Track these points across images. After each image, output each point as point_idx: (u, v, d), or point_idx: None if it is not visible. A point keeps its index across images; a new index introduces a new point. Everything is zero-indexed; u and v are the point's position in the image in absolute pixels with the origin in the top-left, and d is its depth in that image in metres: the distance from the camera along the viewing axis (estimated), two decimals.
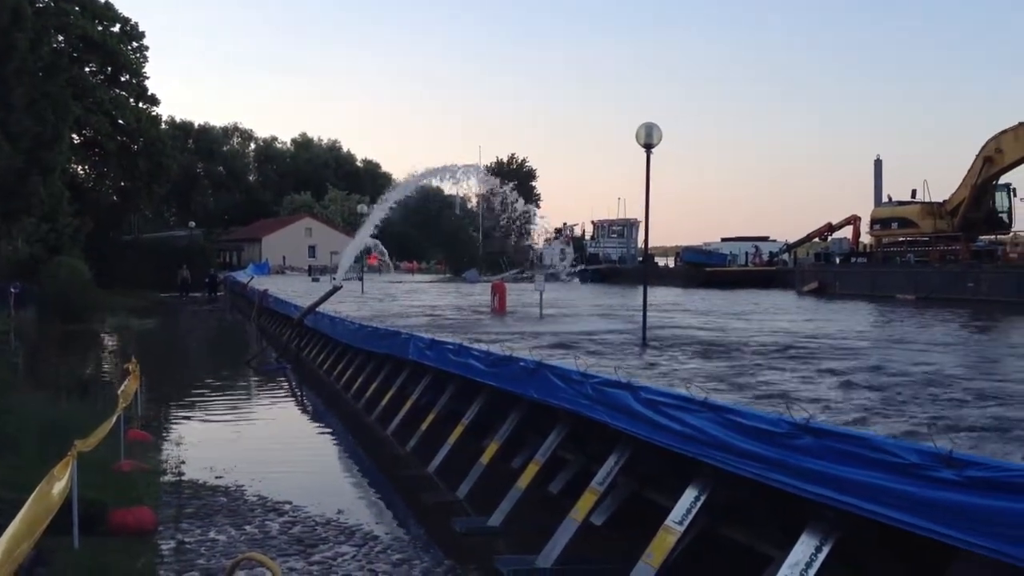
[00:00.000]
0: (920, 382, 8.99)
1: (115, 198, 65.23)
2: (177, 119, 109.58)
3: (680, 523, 7.07)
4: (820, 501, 5.79)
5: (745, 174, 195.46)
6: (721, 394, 7.79)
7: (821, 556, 5.93)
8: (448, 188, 72.37)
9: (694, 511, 7.08)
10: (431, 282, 56.47)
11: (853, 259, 48.87)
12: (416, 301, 28.71)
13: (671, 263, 66.25)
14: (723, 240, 71.10)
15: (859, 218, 53.35)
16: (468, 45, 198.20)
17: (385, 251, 48.80)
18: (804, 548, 6.00)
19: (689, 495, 7.17)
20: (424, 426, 13.45)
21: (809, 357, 11.43)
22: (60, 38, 54.75)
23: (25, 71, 39.88)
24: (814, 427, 5.90)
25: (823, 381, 9.05)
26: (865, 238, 51.74)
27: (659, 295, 33.37)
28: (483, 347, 11.89)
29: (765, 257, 61.38)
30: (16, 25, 39.25)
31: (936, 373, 9.81)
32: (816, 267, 49.21)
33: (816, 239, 58.01)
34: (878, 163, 56.23)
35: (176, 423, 16.41)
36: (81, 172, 63.83)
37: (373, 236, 27.60)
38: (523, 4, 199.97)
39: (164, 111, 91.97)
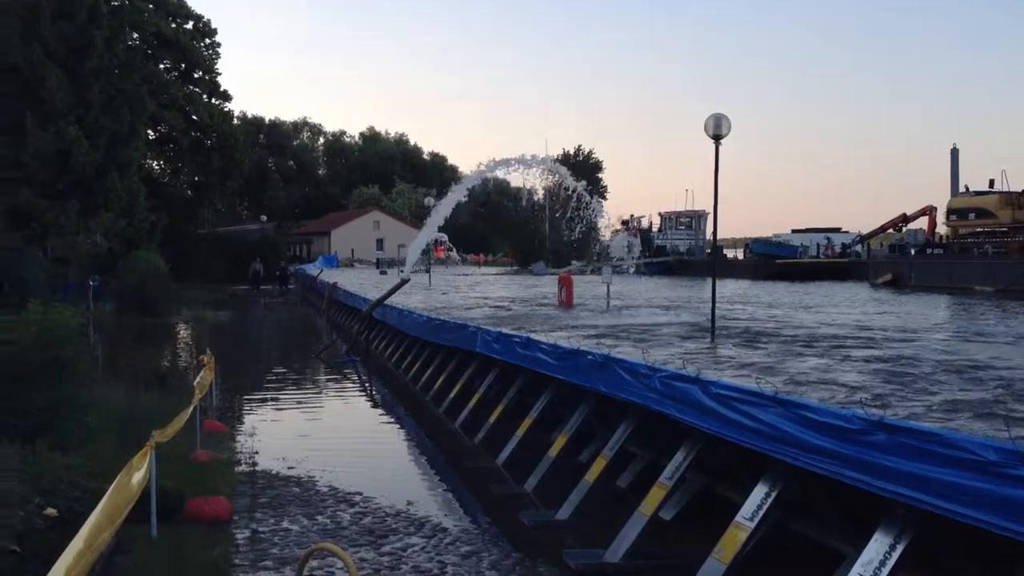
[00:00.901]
0: (999, 378, 8.78)
1: (189, 193, 66.59)
2: (249, 114, 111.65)
3: (751, 519, 7.02)
4: (894, 498, 5.70)
5: (816, 163, 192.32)
6: (791, 389, 7.71)
7: (895, 554, 5.84)
8: (515, 180, 72.40)
9: (765, 507, 7.02)
10: (498, 275, 56.65)
11: (929, 250, 47.88)
12: (483, 294, 28.82)
13: (740, 255, 65.59)
14: (794, 231, 70.14)
15: (935, 208, 52.24)
16: (535, 38, 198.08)
17: (451, 244, 49.12)
18: (878, 546, 5.92)
19: (760, 491, 7.12)
20: (492, 419, 13.51)
21: (881, 350, 11.23)
22: (135, 36, 56.01)
23: (102, 69, 40.92)
24: (888, 423, 5.81)
25: (896, 376, 8.89)
26: (941, 229, 50.68)
27: (728, 288, 33.05)
28: (551, 340, 11.91)
29: (837, 249, 60.44)
30: (93, 23, 40.30)
31: (1015, 368, 9.57)
32: (890, 259, 48.30)
33: (890, 230, 56.97)
34: (955, 152, 54.92)
35: (250, 414, 16.72)
36: (156, 167, 65.22)
37: (440, 229, 27.71)
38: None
39: (236, 107, 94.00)
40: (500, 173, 25.74)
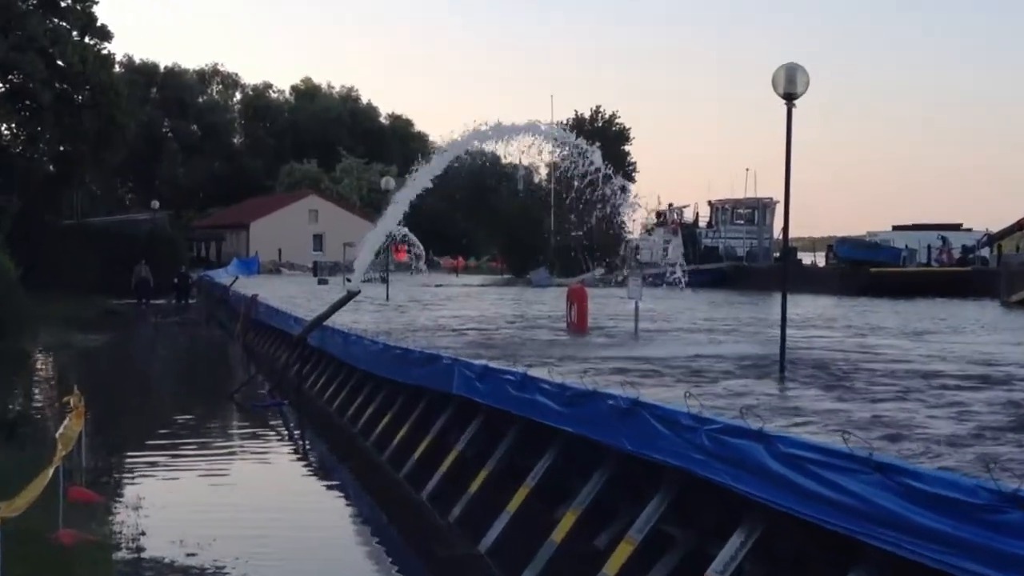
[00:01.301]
0: None
1: (51, 168, 66.35)
2: (136, 59, 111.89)
3: None
4: None
5: (925, 138, 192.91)
6: (890, 448, 7.72)
7: None
8: (508, 155, 72.49)
9: None
10: (484, 285, 56.69)
11: None
12: (462, 313, 28.83)
13: (820, 260, 65.72)
14: (895, 228, 70.33)
15: None
16: None
17: (419, 243, 49.01)
18: None
19: None
20: (474, 487, 13.49)
21: (1016, 394, 11.26)
22: None
23: None
24: None
25: None
26: None
27: (804, 306, 33.11)
28: (556, 378, 11.91)
29: (956, 253, 60.58)
30: None
31: None
32: None
33: None
34: None
35: (134, 478, 16.65)
36: (6, 132, 65.03)
37: (403, 222, 27.71)
38: None
39: (118, 49, 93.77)
40: (488, 145, 25.80)
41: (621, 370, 13.45)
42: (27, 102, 63.02)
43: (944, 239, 63.26)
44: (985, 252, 59.77)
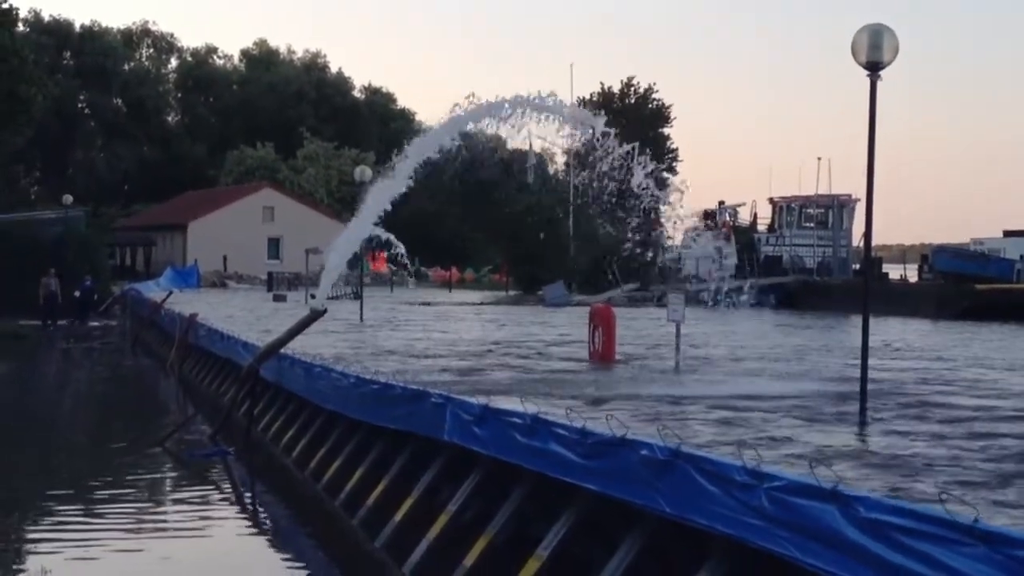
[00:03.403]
0: None
1: None
2: (45, 17, 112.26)
3: None
4: None
5: None
6: (1000, 513, 7.74)
7: None
8: (515, 139, 72.54)
9: None
10: (483, 303, 56.70)
11: None
12: (455, 338, 28.86)
13: (912, 274, 65.75)
14: (1007, 235, 70.37)
15: None
16: None
17: (403, 250, 49.07)
18: None
19: None
20: (469, 560, 13.50)
21: None
22: None
23: None
24: None
25: None
26: None
27: (891, 331, 33.13)
28: (576, 422, 11.93)
29: None
30: None
31: None
32: None
33: None
34: None
35: (40, 546, 16.67)
36: None
37: (382, 222, 27.79)
38: None
39: (23, 3, 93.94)
40: (490, 126, 25.84)
41: (658, 412, 13.47)
42: None
43: None
44: None
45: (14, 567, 15.01)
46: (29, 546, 16.73)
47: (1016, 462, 10.32)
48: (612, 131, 22.27)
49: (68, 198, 79.21)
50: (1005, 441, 11.69)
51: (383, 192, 24.52)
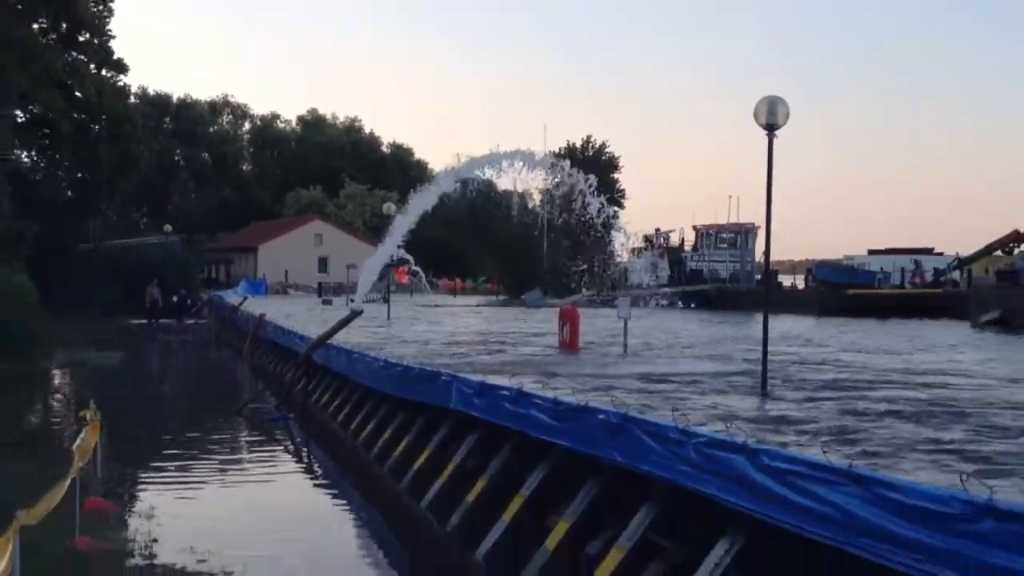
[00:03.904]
0: None
1: (70, 194, 66.26)
2: (151, 91, 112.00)
3: None
4: None
5: (899, 166, 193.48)
6: (869, 461, 7.72)
7: None
8: (503, 182, 72.64)
9: None
10: (480, 305, 56.64)
11: None
12: (460, 331, 28.80)
13: (800, 283, 65.76)
14: (871, 253, 70.44)
15: None
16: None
17: (417, 267, 49.19)
18: None
19: None
20: (471, 497, 13.45)
21: (990, 414, 11.27)
22: None
23: None
24: (999, 507, 5.81)
25: (1002, 442, 8.93)
26: None
27: (784, 326, 33.09)
28: (550, 394, 11.89)
29: (928, 276, 60.67)
30: None
31: None
32: (998, 290, 48.40)
33: (999, 252, 57.22)
34: None
35: (147, 489, 16.62)
36: (26, 160, 64.95)
37: (403, 245, 27.73)
38: None
39: (134, 81, 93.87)
40: (484, 172, 25.86)
41: (611, 386, 13.43)
42: (46, 131, 62.96)
43: (917, 263, 63.37)
44: (955, 275, 59.86)
45: (129, 505, 14.94)
46: (140, 489, 16.67)
47: (871, 420, 10.31)
48: (589, 181, 22.46)
49: (168, 228, 79.03)
50: (865, 404, 11.69)
51: (402, 223, 24.52)
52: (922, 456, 8.25)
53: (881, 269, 61.94)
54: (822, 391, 13.48)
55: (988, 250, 58.23)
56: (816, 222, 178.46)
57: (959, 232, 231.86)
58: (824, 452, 7.56)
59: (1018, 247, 55.36)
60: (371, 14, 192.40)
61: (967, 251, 61.48)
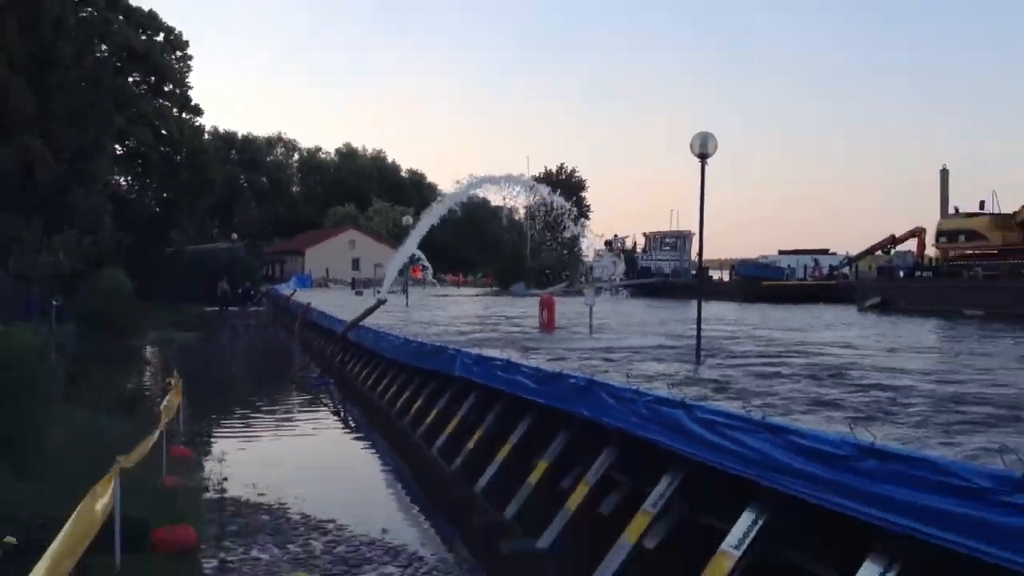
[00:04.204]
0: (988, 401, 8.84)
1: (157, 210, 66.17)
2: (220, 130, 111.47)
3: (737, 547, 7.01)
4: (884, 526, 5.71)
5: (804, 183, 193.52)
6: (780, 413, 7.73)
7: None
8: (495, 199, 72.68)
9: (751, 535, 7.02)
10: (477, 295, 56.66)
11: (918, 273, 48.21)
12: (462, 315, 28.80)
13: (726, 277, 65.87)
14: (780, 253, 70.53)
15: (924, 230, 52.71)
16: (515, 52, 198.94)
17: (428, 264, 49.21)
18: (868, 574, 5.92)
19: (746, 519, 7.11)
20: (471, 444, 13.45)
21: (868, 374, 11.30)
22: (104, 48, 55.80)
23: (68, 81, 40.70)
24: (879, 449, 5.83)
25: (884, 400, 8.94)
26: (931, 251, 51.09)
27: (713, 310, 33.13)
28: (532, 363, 11.90)
29: (825, 271, 60.81)
30: (59, 36, 40.11)
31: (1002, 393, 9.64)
32: (879, 282, 48.58)
33: (879, 252, 57.37)
34: (944, 173, 55.46)
35: (218, 439, 16.59)
36: (123, 184, 64.82)
37: (418, 248, 27.76)
38: (570, 12, 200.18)
39: (207, 122, 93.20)
40: (480, 191, 25.91)
41: (580, 356, 13.44)
42: (139, 161, 62.96)
43: (816, 260, 63.54)
44: (846, 270, 59.98)
45: (205, 451, 14.92)
46: (213, 439, 16.63)
47: (781, 381, 10.33)
48: (569, 204, 22.62)
49: (234, 236, 79.16)
50: (772, 368, 11.72)
51: (417, 231, 24.55)
52: (812, 407, 8.28)
53: (788, 266, 62.07)
54: (741, 359, 13.51)
55: (871, 250, 58.37)
56: (738, 228, 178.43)
57: (848, 236, 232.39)
58: (744, 407, 7.57)
59: (894, 248, 55.46)
60: (395, 68, 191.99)
61: (855, 251, 61.65)
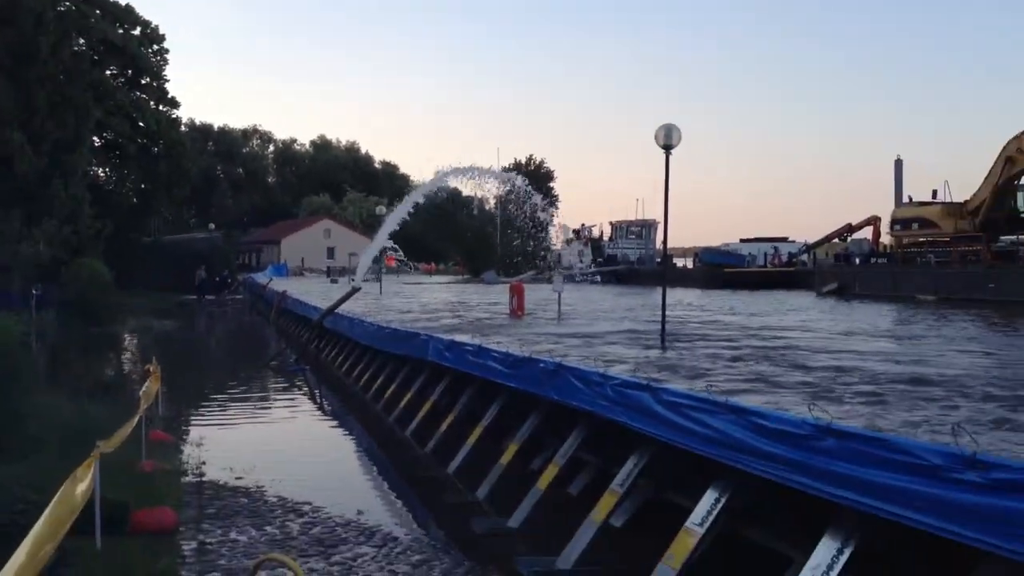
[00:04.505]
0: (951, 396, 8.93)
1: (135, 200, 65.51)
2: (197, 122, 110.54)
3: (700, 525, 7.05)
4: (842, 503, 5.76)
5: (764, 174, 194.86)
6: (743, 395, 7.76)
7: (843, 559, 5.89)
8: (467, 189, 72.60)
9: (714, 513, 7.05)
10: (449, 283, 56.56)
11: (873, 260, 48.64)
12: (434, 302, 28.75)
13: (689, 264, 66.21)
14: (742, 241, 70.94)
15: (879, 219, 53.19)
16: (485, 46, 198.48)
17: (401, 252, 49.10)
18: (826, 550, 5.97)
19: (709, 497, 7.15)
20: (443, 427, 13.44)
21: (830, 357, 11.38)
22: (81, 41, 55.06)
23: (47, 75, 40.15)
24: (837, 429, 5.87)
25: (839, 382, 9.01)
26: (885, 239, 51.57)
27: (678, 296, 33.29)
28: (502, 348, 11.89)
29: (784, 258, 61.21)
30: (38, 30, 39.53)
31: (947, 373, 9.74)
32: (836, 268, 48.99)
33: (836, 240, 57.81)
34: (899, 163, 55.97)
35: (196, 424, 16.47)
36: (102, 175, 64.15)
37: (391, 237, 27.65)
38: (539, 5, 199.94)
39: (184, 114, 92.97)
40: (452, 182, 25.84)
41: (548, 341, 13.45)
42: (117, 152, 62.35)
43: (775, 248, 63.90)
44: (805, 257, 60.41)
45: (183, 436, 14.80)
46: (191, 423, 16.51)
47: (742, 362, 10.39)
48: (535, 195, 22.61)
49: (212, 225, 78.45)
50: (732, 352, 11.78)
51: (390, 221, 24.47)
52: (767, 387, 8.33)
53: (749, 253, 62.39)
54: (703, 343, 13.57)
55: (828, 238, 58.81)
56: (701, 217, 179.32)
57: (807, 224, 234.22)
58: (708, 389, 7.60)
59: (850, 236, 55.90)
60: (368, 62, 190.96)
61: (813, 239, 62.06)
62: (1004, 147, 38.60)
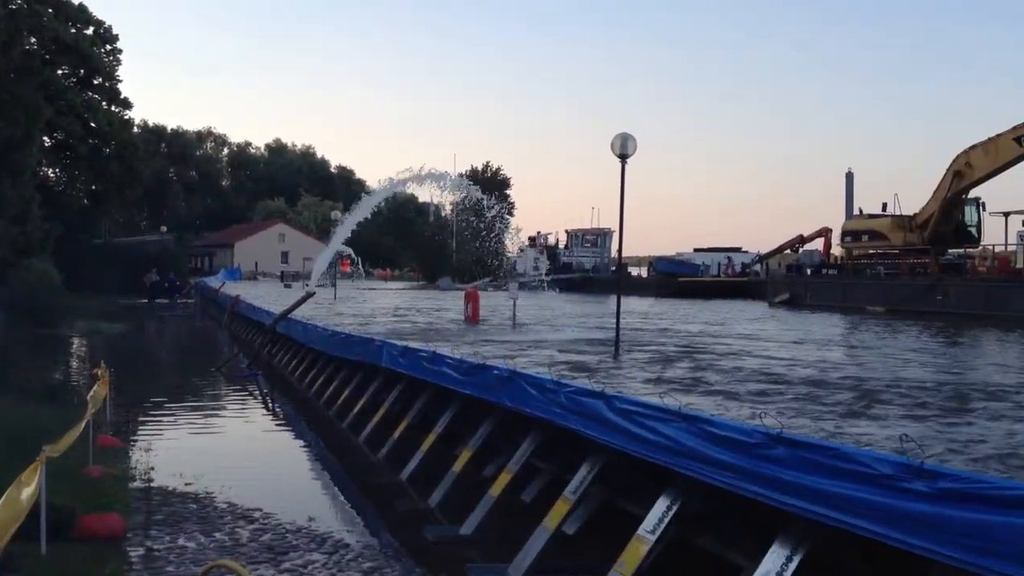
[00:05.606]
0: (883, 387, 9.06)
1: (86, 202, 64.61)
2: (150, 123, 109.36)
3: (652, 532, 7.07)
4: (792, 511, 5.80)
5: (718, 185, 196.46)
6: (695, 403, 7.81)
7: (792, 566, 5.94)
8: (423, 195, 72.48)
9: (666, 520, 7.08)
10: (404, 289, 56.43)
11: (824, 271, 49.27)
12: (389, 308, 28.63)
13: (644, 273, 66.61)
14: (696, 250, 71.57)
15: (830, 230, 53.92)
16: (443, 52, 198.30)
17: (356, 258, 48.81)
18: (775, 558, 6.01)
19: (661, 504, 7.17)
20: (396, 434, 13.38)
21: (783, 366, 11.50)
22: (33, 40, 54.17)
23: None
24: (787, 437, 5.92)
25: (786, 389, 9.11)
26: (836, 250, 52.27)
27: (632, 304, 33.47)
28: (457, 355, 11.87)
29: (737, 268, 61.86)
30: None
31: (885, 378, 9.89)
32: (787, 278, 49.56)
33: (788, 250, 58.53)
34: (849, 176, 56.84)
35: (145, 429, 16.22)
36: (52, 175, 63.20)
37: (346, 243, 27.54)
38: (496, 12, 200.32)
39: (137, 115, 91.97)
40: (408, 188, 25.78)
41: (503, 347, 13.45)
42: (68, 153, 61.46)
43: (729, 258, 64.59)
44: (757, 267, 61.07)
45: (131, 442, 14.59)
46: (140, 428, 16.27)
47: (694, 370, 10.47)
48: (490, 200, 22.59)
49: (163, 228, 77.56)
50: (697, 361, 11.87)
51: (345, 226, 24.34)
52: (730, 402, 8.40)
53: (703, 263, 63.04)
54: (656, 351, 13.65)
55: (780, 249, 59.53)
56: (656, 226, 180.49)
57: (760, 235, 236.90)
58: (661, 397, 7.64)
59: (802, 247, 56.61)
60: (325, 66, 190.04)
61: (765, 250, 62.76)
62: (953, 161, 39.29)
